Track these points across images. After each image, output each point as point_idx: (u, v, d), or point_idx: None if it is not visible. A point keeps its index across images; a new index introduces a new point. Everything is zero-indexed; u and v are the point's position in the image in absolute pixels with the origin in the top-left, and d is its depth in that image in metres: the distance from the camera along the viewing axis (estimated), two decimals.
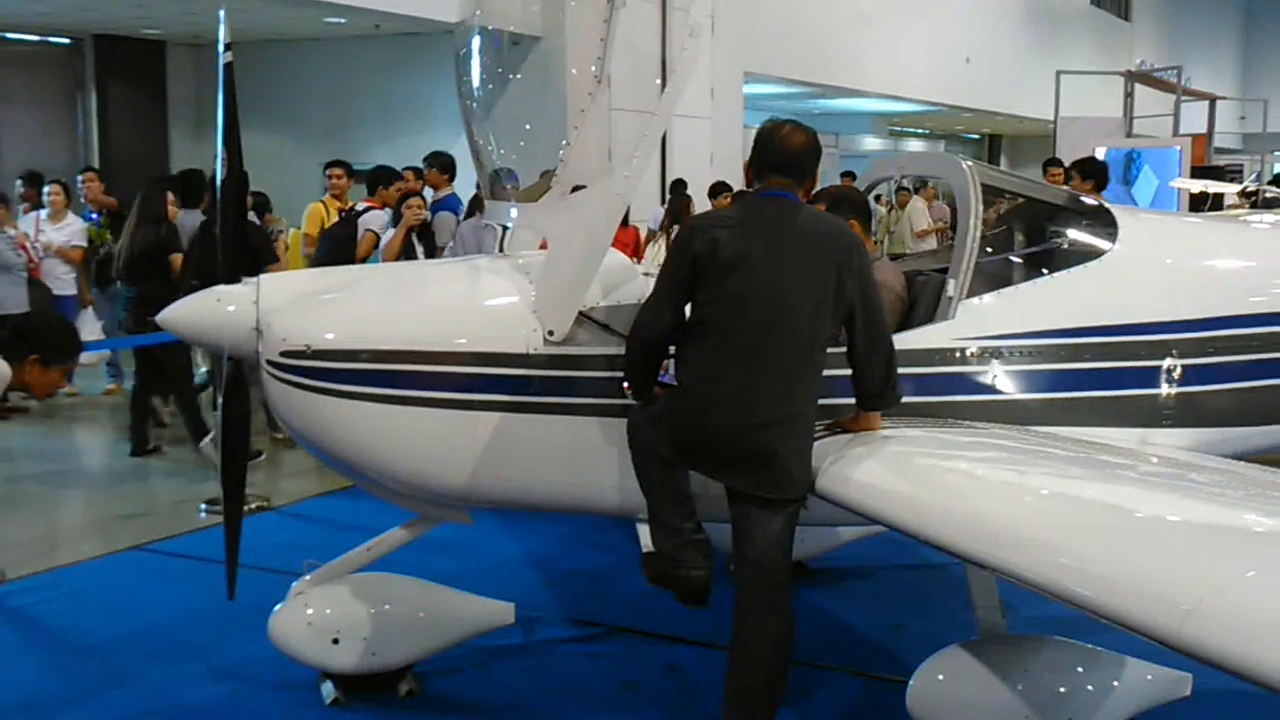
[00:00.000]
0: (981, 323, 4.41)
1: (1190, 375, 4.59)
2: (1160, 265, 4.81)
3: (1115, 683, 4.00)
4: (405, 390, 3.98)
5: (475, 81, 4.63)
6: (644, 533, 4.03)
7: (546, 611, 5.49)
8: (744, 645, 3.75)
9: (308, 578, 4.48)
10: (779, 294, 3.64)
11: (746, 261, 3.64)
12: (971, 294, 4.45)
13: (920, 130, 31.67)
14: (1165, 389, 4.56)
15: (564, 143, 4.48)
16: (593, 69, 4.46)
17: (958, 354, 4.37)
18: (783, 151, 3.78)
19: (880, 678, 4.73)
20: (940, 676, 3.92)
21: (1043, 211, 5.18)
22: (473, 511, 4.51)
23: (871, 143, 28.71)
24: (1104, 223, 4.84)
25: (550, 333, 4.00)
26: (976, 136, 34.17)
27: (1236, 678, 2.43)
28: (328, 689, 4.49)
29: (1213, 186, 16.99)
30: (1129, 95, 21.64)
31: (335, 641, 4.36)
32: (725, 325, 3.66)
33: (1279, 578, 2.61)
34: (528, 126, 4.85)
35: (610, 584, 5.92)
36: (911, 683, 3.90)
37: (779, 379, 3.66)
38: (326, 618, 4.38)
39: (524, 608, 4.86)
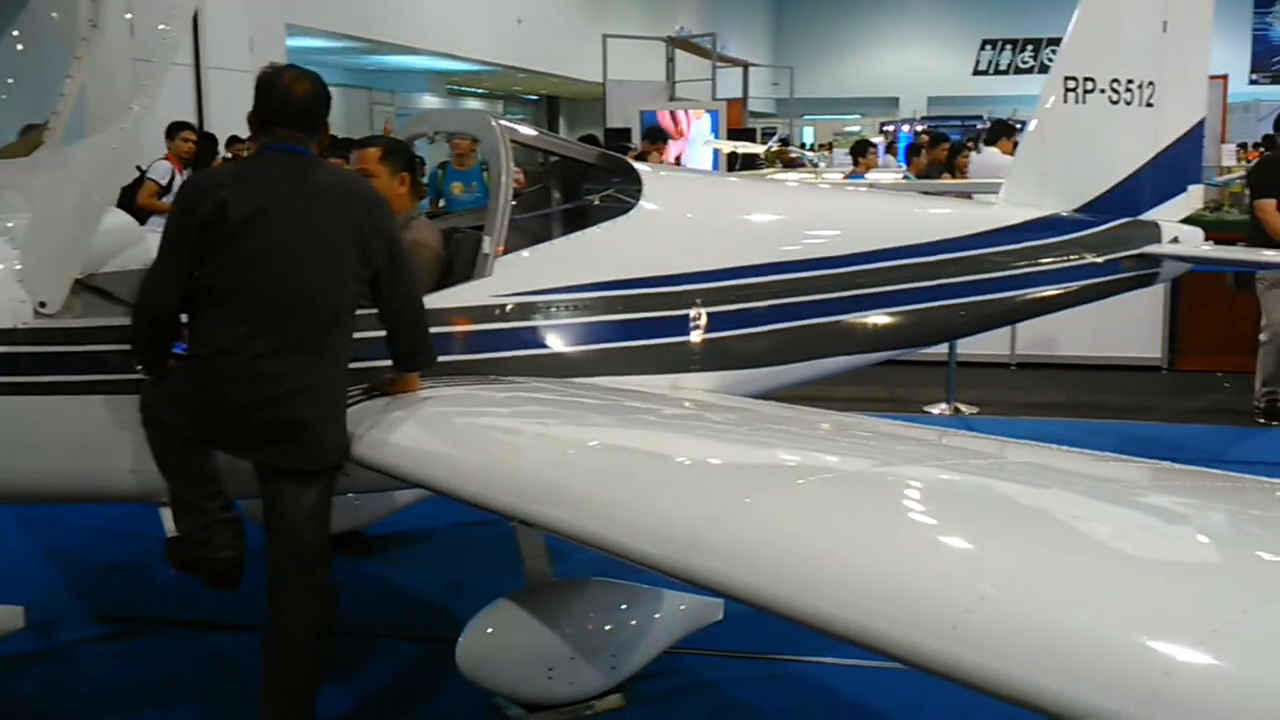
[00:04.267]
0: (518, 279, 4.42)
1: (714, 322, 4.87)
2: (681, 220, 5.06)
3: (655, 615, 4.18)
4: None
5: None
6: (168, 517, 3.72)
7: (67, 611, 4.98)
8: (281, 626, 3.55)
9: None
10: (297, 255, 3.43)
11: (259, 222, 3.40)
12: (508, 250, 4.46)
13: (479, 90, 31.80)
14: (692, 335, 4.81)
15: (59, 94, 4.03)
16: (88, 16, 4.04)
17: (496, 310, 4.37)
18: (288, 102, 3.55)
19: (436, 639, 4.67)
20: (489, 630, 3.92)
21: (575, 169, 5.30)
22: None
23: (429, 101, 28.45)
24: (630, 180, 5.01)
25: (42, 304, 3.58)
26: (535, 98, 34.82)
27: (740, 604, 2.50)
28: None
29: (743, 147, 18.44)
30: (670, 60, 22.90)
31: None
32: (239, 291, 3.41)
33: (770, 503, 2.68)
34: (10, 80, 4.33)
35: (140, 575, 5.45)
36: (461, 640, 3.87)
37: (302, 345, 3.45)
38: None
39: (38, 610, 4.42)
